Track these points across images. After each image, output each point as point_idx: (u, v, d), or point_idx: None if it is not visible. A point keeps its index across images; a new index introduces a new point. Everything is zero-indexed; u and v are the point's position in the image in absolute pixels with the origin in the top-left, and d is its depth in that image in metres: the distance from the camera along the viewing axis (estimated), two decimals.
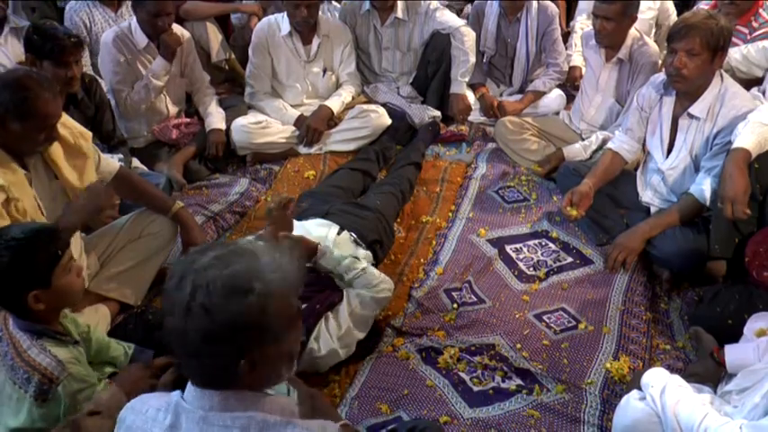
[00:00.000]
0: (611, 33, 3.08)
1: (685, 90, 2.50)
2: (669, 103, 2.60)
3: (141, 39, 3.21)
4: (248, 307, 1.06)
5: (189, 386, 1.15)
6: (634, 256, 2.56)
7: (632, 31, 3.15)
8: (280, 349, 1.13)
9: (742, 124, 2.30)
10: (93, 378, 1.66)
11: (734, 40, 3.24)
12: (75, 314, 1.84)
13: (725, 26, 2.39)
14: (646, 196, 2.74)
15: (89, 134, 2.18)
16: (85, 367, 1.65)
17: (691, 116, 2.52)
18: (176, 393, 1.17)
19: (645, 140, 2.77)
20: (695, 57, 2.37)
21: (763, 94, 2.96)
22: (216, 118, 3.44)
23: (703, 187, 2.45)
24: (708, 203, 2.43)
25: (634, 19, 3.12)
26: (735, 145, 2.25)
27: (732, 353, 1.84)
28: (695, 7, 3.69)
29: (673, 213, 2.54)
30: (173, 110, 3.44)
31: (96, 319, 2.11)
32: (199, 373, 1.13)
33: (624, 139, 2.78)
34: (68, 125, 2.11)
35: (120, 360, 1.85)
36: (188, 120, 3.49)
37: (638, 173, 2.81)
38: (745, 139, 2.24)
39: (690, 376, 1.83)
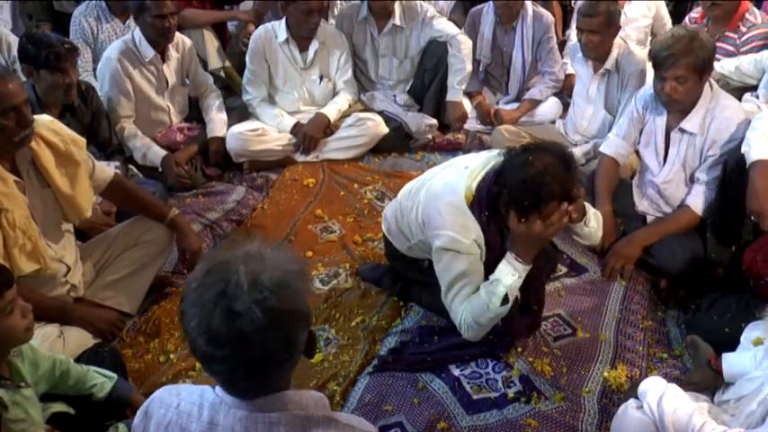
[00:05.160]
0: (597, 46, 3.08)
1: (679, 109, 2.49)
2: (662, 116, 2.60)
3: (147, 50, 3.21)
4: (302, 292, 1.10)
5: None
6: (631, 264, 2.56)
7: (617, 41, 3.15)
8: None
9: (753, 134, 2.27)
10: (35, 420, 1.55)
11: (724, 45, 3.27)
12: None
13: (706, 44, 2.38)
14: (642, 206, 2.73)
15: (82, 141, 2.15)
16: (29, 409, 1.53)
17: (682, 131, 2.51)
18: (208, 388, 1.14)
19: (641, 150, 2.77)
20: (685, 82, 2.37)
21: (758, 98, 2.97)
22: (217, 125, 3.47)
23: (698, 199, 2.47)
24: (702, 214, 2.43)
25: (618, 29, 3.11)
26: (753, 158, 2.23)
27: (729, 361, 1.84)
28: (685, 18, 3.71)
29: (670, 223, 2.55)
30: (176, 120, 3.48)
31: (59, 346, 1.99)
32: (249, 383, 1.09)
33: (620, 144, 2.76)
34: (60, 132, 2.09)
35: (97, 389, 1.75)
36: (190, 125, 3.52)
37: (635, 182, 2.80)
38: (762, 149, 2.22)
39: (687, 385, 1.83)
